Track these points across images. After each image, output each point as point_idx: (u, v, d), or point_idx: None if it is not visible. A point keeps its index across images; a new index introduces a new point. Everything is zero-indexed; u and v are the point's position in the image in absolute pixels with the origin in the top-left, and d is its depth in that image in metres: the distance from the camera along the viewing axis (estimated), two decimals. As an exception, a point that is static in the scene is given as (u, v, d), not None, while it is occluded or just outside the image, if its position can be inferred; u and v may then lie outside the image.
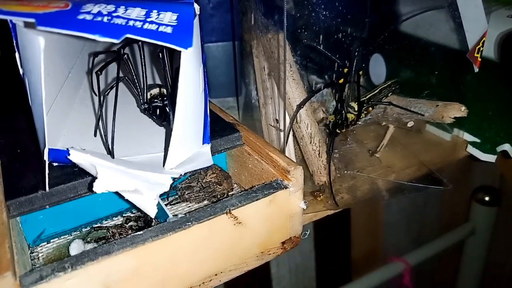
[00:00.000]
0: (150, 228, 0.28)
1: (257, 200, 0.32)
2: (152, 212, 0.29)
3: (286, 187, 0.33)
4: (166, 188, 0.28)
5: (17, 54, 0.28)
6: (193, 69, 0.28)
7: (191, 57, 0.26)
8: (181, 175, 0.31)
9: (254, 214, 0.32)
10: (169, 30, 0.24)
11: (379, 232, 1.16)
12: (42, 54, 0.24)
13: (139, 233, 0.28)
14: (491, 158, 0.48)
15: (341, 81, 0.39)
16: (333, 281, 1.03)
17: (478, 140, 0.49)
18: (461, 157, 0.51)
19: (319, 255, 1.06)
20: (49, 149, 0.28)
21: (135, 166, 0.29)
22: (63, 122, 0.37)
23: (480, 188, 1.08)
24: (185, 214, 0.30)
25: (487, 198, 1.07)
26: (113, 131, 0.30)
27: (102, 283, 0.27)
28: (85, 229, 0.36)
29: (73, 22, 0.23)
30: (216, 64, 0.59)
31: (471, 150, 0.49)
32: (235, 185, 0.41)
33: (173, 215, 0.31)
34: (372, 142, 0.50)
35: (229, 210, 0.31)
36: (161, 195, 0.32)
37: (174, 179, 0.29)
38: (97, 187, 0.26)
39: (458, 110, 0.40)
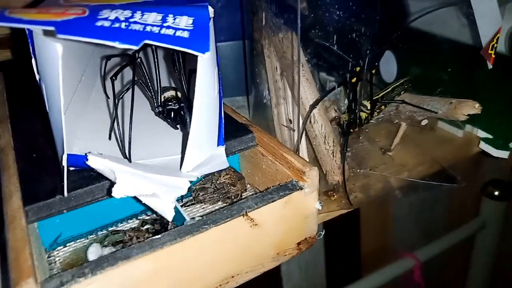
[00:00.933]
0: (168, 232, 0.28)
1: (273, 201, 0.32)
2: (169, 215, 0.29)
3: (301, 188, 0.33)
4: (184, 192, 0.29)
5: (33, 60, 0.28)
6: (209, 72, 0.28)
7: (208, 61, 0.26)
8: (197, 177, 0.31)
9: (270, 216, 0.32)
10: (186, 34, 0.24)
11: (389, 228, 1.15)
12: (60, 61, 0.24)
13: (157, 237, 0.28)
14: (503, 154, 0.48)
15: (353, 80, 0.38)
16: (343, 277, 1.02)
17: (490, 136, 0.49)
18: (473, 154, 0.51)
19: (328, 252, 1.06)
20: (67, 155, 0.28)
21: (152, 170, 0.29)
22: (77, 126, 0.37)
23: (490, 182, 1.07)
24: (201, 216, 0.30)
25: (497, 193, 1.06)
26: (130, 135, 0.30)
27: (121, 287, 0.27)
28: (101, 232, 0.36)
29: (92, 29, 0.23)
30: (225, 63, 0.59)
31: (484, 146, 0.49)
32: (248, 186, 0.41)
33: (190, 218, 0.31)
34: (384, 139, 0.50)
35: (246, 212, 0.31)
36: (175, 198, 0.32)
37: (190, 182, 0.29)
38: (116, 192, 0.26)
39: (472, 107, 0.40)
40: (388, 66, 0.52)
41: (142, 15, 0.25)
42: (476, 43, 0.42)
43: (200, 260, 0.30)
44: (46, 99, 0.29)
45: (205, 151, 0.32)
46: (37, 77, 0.29)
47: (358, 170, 0.44)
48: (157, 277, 0.28)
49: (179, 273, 0.29)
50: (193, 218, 0.31)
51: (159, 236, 0.28)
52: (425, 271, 1.00)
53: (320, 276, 1.09)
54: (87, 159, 0.27)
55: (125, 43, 0.22)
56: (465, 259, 1.13)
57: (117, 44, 0.22)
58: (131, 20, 0.24)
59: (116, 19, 0.24)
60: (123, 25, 0.23)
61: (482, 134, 0.49)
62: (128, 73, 0.43)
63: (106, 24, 0.23)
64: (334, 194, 0.41)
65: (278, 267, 1.00)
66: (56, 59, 0.24)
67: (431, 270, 1.06)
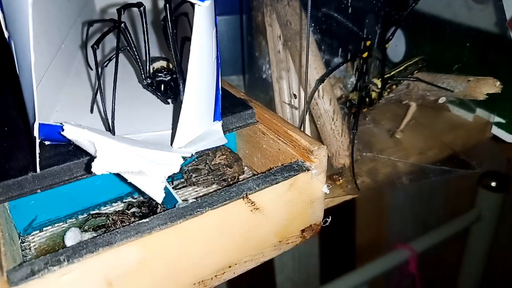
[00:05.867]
0: (157, 215, 0.25)
1: (276, 183, 0.28)
2: (159, 196, 0.25)
3: (308, 169, 0.29)
4: (176, 169, 0.25)
5: (0, 14, 0.24)
6: (207, 30, 0.24)
7: (207, 14, 0.22)
8: (192, 155, 0.27)
9: (273, 199, 0.28)
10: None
11: (385, 219, 1.13)
12: (30, 9, 0.20)
13: (144, 220, 0.25)
14: (517, 139, 0.45)
15: (365, 54, 0.35)
16: (337, 268, 1.00)
17: (503, 121, 0.46)
18: (484, 139, 0.48)
19: (322, 242, 1.03)
20: (40, 124, 0.24)
21: (139, 144, 0.25)
22: (56, 97, 0.33)
23: (487, 173, 1.05)
24: (195, 199, 0.27)
25: (493, 184, 1.04)
26: (113, 104, 0.26)
27: (103, 278, 0.23)
28: (82, 216, 0.32)
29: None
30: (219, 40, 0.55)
31: (496, 131, 0.46)
32: (245, 168, 0.37)
33: (182, 200, 0.27)
34: (390, 122, 0.47)
35: (246, 195, 0.27)
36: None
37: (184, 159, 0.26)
38: (97, 168, 0.22)
39: (492, 86, 0.37)
40: (395, 44, 0.49)
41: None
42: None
43: (194, 247, 0.26)
44: (16, 59, 0.24)
45: (200, 125, 0.28)
46: (6, 34, 0.25)
47: (364, 154, 0.41)
48: (144, 266, 0.25)
49: (170, 263, 0.25)
50: (186, 200, 0.27)
51: (147, 219, 0.25)
52: (420, 262, 0.98)
53: (313, 266, 1.06)
54: (62, 129, 0.23)
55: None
56: (460, 251, 1.11)
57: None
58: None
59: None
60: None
61: (494, 118, 0.46)
62: (112, 41, 0.39)
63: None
64: (340, 178, 0.38)
65: (271, 257, 0.97)
66: (26, 8, 0.20)
67: (426, 261, 1.04)
